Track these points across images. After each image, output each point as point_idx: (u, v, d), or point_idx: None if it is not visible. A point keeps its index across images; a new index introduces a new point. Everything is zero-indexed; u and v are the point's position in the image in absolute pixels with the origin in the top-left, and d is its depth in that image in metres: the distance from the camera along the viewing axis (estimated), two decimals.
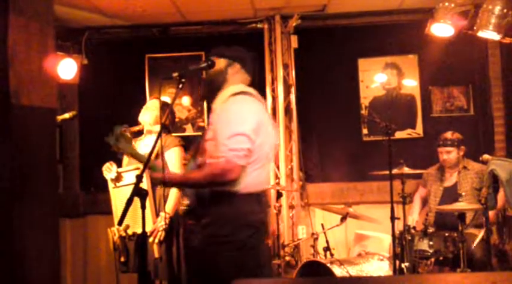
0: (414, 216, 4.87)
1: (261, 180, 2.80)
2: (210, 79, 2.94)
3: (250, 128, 2.68)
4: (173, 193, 4.00)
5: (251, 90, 2.93)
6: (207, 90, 2.98)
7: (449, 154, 4.69)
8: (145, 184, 3.85)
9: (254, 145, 2.67)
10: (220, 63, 2.92)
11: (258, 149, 2.70)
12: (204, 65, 2.82)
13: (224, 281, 2.40)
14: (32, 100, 1.57)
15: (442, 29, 4.88)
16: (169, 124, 4.22)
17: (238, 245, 2.70)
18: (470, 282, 1.64)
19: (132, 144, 3.08)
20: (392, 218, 4.09)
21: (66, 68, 5.25)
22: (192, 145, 3.07)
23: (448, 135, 4.72)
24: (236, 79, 2.93)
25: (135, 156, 2.96)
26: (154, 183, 2.89)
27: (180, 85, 2.59)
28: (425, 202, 5.01)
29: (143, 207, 2.55)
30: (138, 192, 2.48)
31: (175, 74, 2.58)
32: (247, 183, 2.69)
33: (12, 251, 1.49)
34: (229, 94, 2.84)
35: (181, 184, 2.94)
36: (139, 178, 2.44)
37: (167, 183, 2.85)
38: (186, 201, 2.87)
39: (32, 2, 1.64)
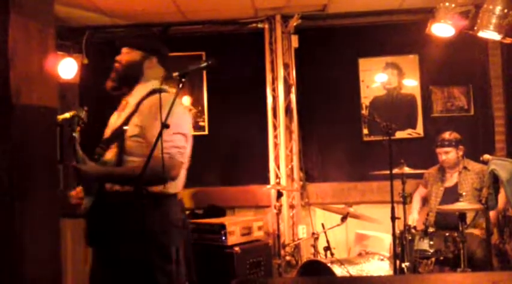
0: (414, 215, 4.87)
1: (183, 181, 2.80)
2: (123, 71, 2.81)
3: (187, 128, 2.70)
4: None
5: (167, 88, 2.84)
6: (119, 82, 2.83)
7: (447, 155, 4.69)
8: None
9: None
10: (136, 55, 2.82)
11: (187, 151, 2.73)
12: (204, 64, 2.74)
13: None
14: (33, 99, 1.57)
15: (442, 29, 4.88)
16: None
17: (164, 251, 2.64)
18: (471, 282, 1.64)
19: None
20: (393, 218, 4.08)
21: (67, 68, 5.25)
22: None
23: (446, 135, 4.72)
24: (151, 74, 2.84)
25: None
26: (85, 178, 2.62)
27: (181, 85, 2.57)
28: (425, 201, 5.01)
29: (143, 206, 2.55)
30: (138, 193, 2.47)
31: (175, 74, 2.56)
32: (176, 183, 2.68)
33: (13, 251, 1.49)
34: (149, 90, 2.76)
35: (116, 178, 2.67)
36: (139, 177, 2.43)
37: (101, 177, 2.65)
38: (87, 200, 2.68)
39: (33, 2, 1.64)
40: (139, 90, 2.78)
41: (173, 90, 2.79)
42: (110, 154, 2.71)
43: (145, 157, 2.55)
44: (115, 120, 2.83)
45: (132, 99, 2.78)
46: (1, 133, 1.50)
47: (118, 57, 2.85)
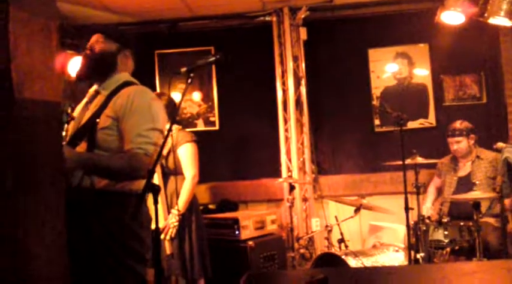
0: (427, 205, 4.83)
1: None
2: (96, 60, 2.66)
3: (163, 124, 2.59)
4: (185, 189, 3.99)
5: (137, 81, 2.75)
6: (90, 71, 2.68)
7: (459, 144, 4.64)
8: (156, 181, 3.87)
9: None
10: (110, 45, 2.68)
11: None
12: (212, 58, 2.65)
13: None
14: (35, 93, 1.56)
15: (452, 17, 4.82)
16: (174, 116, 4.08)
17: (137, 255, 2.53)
18: (486, 270, 1.61)
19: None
20: (407, 208, 4.06)
21: (76, 66, 5.26)
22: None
23: (457, 124, 4.67)
24: (125, 67, 2.73)
25: None
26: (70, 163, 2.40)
27: (189, 80, 2.54)
28: (440, 192, 4.97)
29: (156, 202, 2.54)
30: (151, 188, 2.45)
31: (183, 69, 2.52)
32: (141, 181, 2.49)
33: (17, 249, 1.48)
34: (122, 81, 2.64)
35: (99, 165, 2.48)
36: (151, 173, 2.41)
37: (83, 162, 2.46)
38: None
39: None
40: (113, 81, 2.64)
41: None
42: (80, 149, 2.52)
43: (117, 151, 2.50)
44: (80, 113, 2.64)
45: (103, 90, 2.64)
46: (3, 127, 1.48)
47: (90, 44, 2.69)
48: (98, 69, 2.65)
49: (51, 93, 1.61)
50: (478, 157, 4.68)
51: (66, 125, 2.52)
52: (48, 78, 1.62)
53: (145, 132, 2.48)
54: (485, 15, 4.56)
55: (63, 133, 2.51)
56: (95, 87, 2.71)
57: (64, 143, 2.49)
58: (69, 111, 2.58)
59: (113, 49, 2.68)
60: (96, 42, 2.68)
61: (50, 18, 1.63)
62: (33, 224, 1.52)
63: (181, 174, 4.06)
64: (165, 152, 4.02)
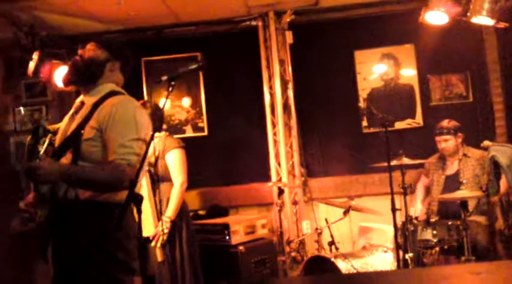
0: (418, 206, 4.85)
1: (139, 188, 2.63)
2: (84, 67, 2.63)
3: (147, 134, 2.54)
4: (174, 195, 4.00)
5: (123, 91, 2.72)
6: (76, 77, 2.65)
7: (447, 143, 4.67)
8: (145, 189, 3.86)
9: None
10: (101, 54, 2.67)
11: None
12: (194, 66, 2.61)
13: None
14: None
15: (436, 17, 4.85)
16: (158, 124, 4.07)
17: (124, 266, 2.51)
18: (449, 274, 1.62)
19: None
20: (393, 209, 4.08)
21: (62, 76, 5.25)
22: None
23: (445, 123, 4.70)
24: (112, 78, 2.69)
25: None
26: (45, 178, 2.36)
27: (170, 88, 2.52)
28: (428, 191, 4.99)
29: (139, 212, 2.54)
30: (134, 198, 2.44)
31: (164, 78, 2.50)
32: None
33: None
34: (106, 91, 2.61)
35: (75, 177, 2.44)
36: (133, 183, 2.40)
37: (65, 174, 2.41)
38: (43, 211, 2.50)
39: None
40: (97, 91, 2.62)
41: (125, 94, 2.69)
42: (65, 161, 2.51)
43: (101, 162, 2.48)
44: (67, 124, 2.64)
45: (88, 100, 2.62)
46: None
47: (80, 51, 2.69)
48: (84, 75, 2.64)
49: None
50: (465, 155, 4.71)
51: (43, 138, 2.50)
52: None
53: (129, 142, 2.48)
54: (468, 14, 4.60)
55: (41, 147, 2.49)
56: (81, 97, 2.70)
57: (44, 155, 2.48)
58: (46, 125, 2.56)
59: (101, 57, 2.66)
60: (88, 50, 2.68)
61: None
62: None
63: (170, 180, 4.06)
64: (152, 159, 4.02)
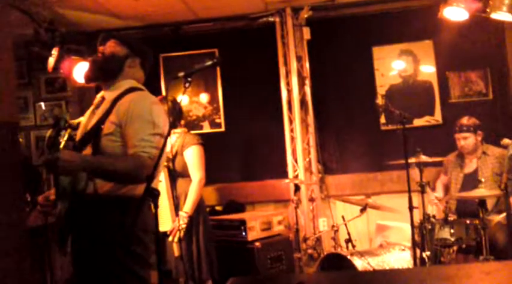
0: (431, 197, 4.78)
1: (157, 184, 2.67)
2: (103, 62, 2.69)
3: (164, 129, 2.56)
4: (192, 191, 4.02)
5: (143, 87, 2.75)
6: (96, 72, 2.70)
7: (466, 140, 4.62)
8: (163, 184, 3.90)
9: None
10: (120, 49, 2.71)
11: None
12: (210, 62, 2.62)
13: None
14: None
15: (455, 13, 4.79)
16: (174, 121, 4.09)
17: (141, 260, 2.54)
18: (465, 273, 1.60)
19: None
20: (410, 207, 4.05)
21: (82, 72, 5.30)
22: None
23: (464, 120, 4.65)
24: (131, 74, 2.73)
25: None
26: (67, 168, 2.36)
27: (187, 85, 2.54)
28: (447, 189, 4.94)
29: (156, 207, 2.56)
30: (150, 193, 2.46)
31: (181, 74, 2.51)
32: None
33: None
34: (126, 87, 2.65)
35: (96, 167, 2.46)
36: (150, 178, 2.42)
37: (87, 164, 2.43)
38: (63, 205, 2.51)
39: None
40: (117, 87, 2.66)
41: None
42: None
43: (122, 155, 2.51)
44: (88, 118, 2.68)
45: (108, 95, 2.66)
46: None
47: (101, 48, 2.73)
48: (104, 71, 2.68)
49: (4, 114, 1.62)
50: (484, 153, 4.65)
51: (64, 131, 2.51)
52: (2, 102, 1.63)
53: (148, 136, 2.50)
54: (488, 10, 4.54)
55: (62, 139, 2.50)
56: (102, 93, 2.74)
57: (62, 148, 2.50)
58: (68, 118, 2.59)
59: (121, 53, 2.70)
60: (108, 46, 2.72)
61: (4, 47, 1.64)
62: None
63: (188, 176, 4.09)
64: (171, 155, 4.05)
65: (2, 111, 1.69)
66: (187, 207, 3.97)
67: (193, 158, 4.09)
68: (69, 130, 2.74)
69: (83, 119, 2.76)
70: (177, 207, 4.00)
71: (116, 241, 2.47)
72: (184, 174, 4.09)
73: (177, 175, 4.07)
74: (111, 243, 2.47)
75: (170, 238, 3.91)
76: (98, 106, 2.69)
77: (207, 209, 5.40)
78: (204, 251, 4.08)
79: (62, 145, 2.52)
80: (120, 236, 2.47)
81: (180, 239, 3.93)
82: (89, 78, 2.74)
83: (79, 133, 2.67)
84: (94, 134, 2.56)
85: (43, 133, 5.69)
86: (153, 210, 2.49)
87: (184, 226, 3.91)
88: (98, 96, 2.75)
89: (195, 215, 4.03)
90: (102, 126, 2.55)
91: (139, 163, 2.45)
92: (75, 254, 2.63)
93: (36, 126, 5.83)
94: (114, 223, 2.49)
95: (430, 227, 4.07)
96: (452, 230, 4.03)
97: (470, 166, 4.69)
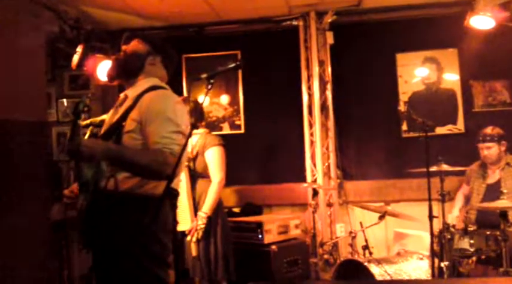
0: (454, 213, 4.75)
1: (178, 184, 2.65)
2: (125, 60, 2.71)
3: (186, 128, 2.55)
4: (212, 192, 4.03)
5: (166, 86, 2.75)
6: (118, 70, 2.72)
7: (489, 150, 4.56)
8: (183, 184, 3.91)
9: None
10: (142, 47, 2.73)
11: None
12: (232, 65, 2.58)
13: None
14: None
15: (481, 22, 4.76)
16: (196, 121, 4.11)
17: (156, 257, 2.53)
18: None
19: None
20: (431, 216, 4.00)
21: (106, 70, 5.35)
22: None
23: (488, 130, 4.59)
24: (153, 72, 2.74)
25: None
26: (88, 154, 2.36)
27: (209, 86, 2.53)
28: (468, 199, 4.88)
29: (174, 207, 2.56)
30: (169, 192, 2.45)
31: (203, 75, 2.51)
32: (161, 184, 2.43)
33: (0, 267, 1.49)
34: (149, 85, 2.66)
35: (119, 156, 2.46)
36: (170, 177, 2.41)
37: (110, 151, 2.44)
38: (84, 200, 2.51)
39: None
40: (140, 85, 2.67)
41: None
42: None
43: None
44: (111, 115, 2.71)
45: (131, 93, 2.67)
46: None
47: (124, 47, 2.75)
48: (125, 69, 2.70)
49: (36, 114, 1.64)
50: (508, 164, 4.59)
51: (83, 115, 2.49)
52: (33, 99, 1.65)
53: (169, 134, 2.49)
54: None
55: (82, 122, 2.51)
56: (125, 91, 2.75)
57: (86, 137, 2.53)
58: (88, 102, 2.58)
59: (142, 51, 2.71)
60: (132, 45, 2.74)
61: (36, 43, 1.65)
62: (18, 241, 1.52)
63: (208, 177, 4.10)
64: (191, 155, 4.07)
65: (34, 111, 1.71)
66: (206, 207, 3.98)
67: (214, 159, 4.10)
68: (91, 128, 2.76)
69: (106, 116, 2.78)
70: (196, 207, 4.01)
71: (135, 240, 2.48)
72: (205, 175, 4.10)
73: (197, 175, 4.08)
74: (130, 242, 2.47)
75: (188, 238, 3.92)
76: (121, 104, 2.71)
77: (225, 210, 5.42)
78: (222, 252, 4.08)
79: (87, 135, 2.53)
80: (139, 235, 2.47)
81: (198, 240, 3.95)
82: (111, 76, 2.76)
83: (103, 130, 2.69)
84: (115, 131, 2.56)
85: (64, 129, 5.75)
86: (172, 210, 2.51)
87: (202, 226, 3.92)
88: (122, 95, 2.76)
89: (213, 216, 4.04)
90: (124, 123, 2.55)
91: (162, 158, 2.43)
92: (94, 250, 2.64)
93: (58, 122, 5.89)
94: (134, 222, 2.48)
95: (449, 237, 4.02)
96: (472, 241, 3.97)
97: (493, 176, 4.63)
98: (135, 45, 2.73)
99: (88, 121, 2.96)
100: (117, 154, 2.46)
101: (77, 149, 2.34)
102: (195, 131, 4.09)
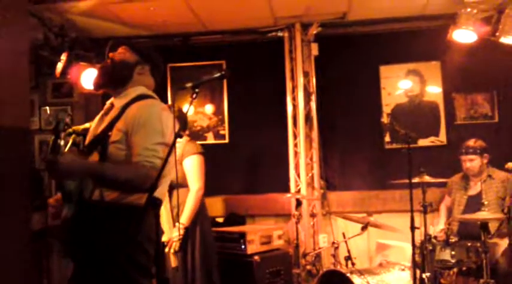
0: (440, 227, 4.78)
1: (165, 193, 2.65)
2: (113, 69, 2.66)
3: (170, 139, 2.52)
4: (190, 202, 3.98)
5: (155, 95, 2.73)
6: (105, 79, 2.67)
7: (472, 162, 4.61)
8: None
9: None
10: (131, 56, 2.69)
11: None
12: (217, 75, 2.57)
13: None
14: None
15: (464, 35, 4.83)
16: (179, 130, 4.07)
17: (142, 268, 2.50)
18: None
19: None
20: (412, 227, 4.02)
21: (90, 78, 5.32)
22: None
23: (471, 142, 4.64)
24: (141, 81, 2.70)
25: None
26: (65, 172, 2.36)
27: (194, 96, 2.52)
28: (450, 211, 4.92)
29: (157, 216, 2.55)
30: (152, 202, 2.44)
31: (188, 84, 2.49)
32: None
33: None
34: (136, 94, 2.63)
35: (98, 174, 2.46)
36: (153, 187, 2.40)
37: (85, 170, 2.44)
38: (67, 209, 2.48)
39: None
40: (127, 94, 2.64)
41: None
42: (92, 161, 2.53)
43: (126, 162, 2.48)
44: (96, 125, 2.68)
45: (117, 102, 2.64)
46: None
47: (111, 54, 2.70)
48: (113, 77, 2.66)
49: (19, 120, 1.63)
50: (489, 176, 4.64)
51: (63, 134, 2.49)
52: (16, 106, 1.64)
53: (153, 146, 2.47)
54: (497, 34, 4.58)
55: (61, 141, 2.48)
56: (111, 100, 2.72)
57: (66, 151, 2.50)
58: (68, 120, 2.58)
59: (131, 60, 2.68)
60: (119, 53, 2.70)
61: (21, 50, 1.65)
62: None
63: (187, 186, 4.04)
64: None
65: (17, 117, 1.69)
66: (184, 218, 3.91)
67: (192, 167, 4.04)
68: (73, 136, 2.73)
69: (90, 125, 2.75)
70: (174, 218, 3.95)
71: (120, 250, 2.44)
72: (183, 184, 4.02)
73: (176, 185, 4.03)
74: (115, 251, 2.44)
75: (167, 249, 3.88)
76: (106, 113, 2.68)
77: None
78: (200, 263, 4.02)
79: (66, 149, 2.51)
80: (125, 245, 2.44)
81: (175, 251, 3.90)
82: (98, 84, 2.72)
83: (88, 139, 2.66)
84: (101, 141, 2.54)
85: (47, 137, 5.70)
86: (156, 219, 2.49)
87: (180, 237, 3.86)
88: (108, 103, 2.73)
89: (191, 226, 3.98)
90: (110, 133, 2.53)
91: (142, 173, 2.43)
92: (77, 260, 2.61)
93: (40, 130, 5.84)
94: (119, 232, 2.44)
95: (431, 248, 4.05)
96: (453, 252, 4.01)
97: (475, 188, 4.68)
98: (122, 54, 2.70)
99: (71, 130, 2.94)
100: (96, 172, 2.46)
101: (54, 166, 2.33)
102: (178, 140, 4.06)
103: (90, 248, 2.49)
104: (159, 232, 2.47)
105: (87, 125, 2.86)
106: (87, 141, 2.66)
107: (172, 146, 2.38)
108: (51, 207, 2.61)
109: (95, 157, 2.54)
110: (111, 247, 2.44)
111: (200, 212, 4.07)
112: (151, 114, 2.54)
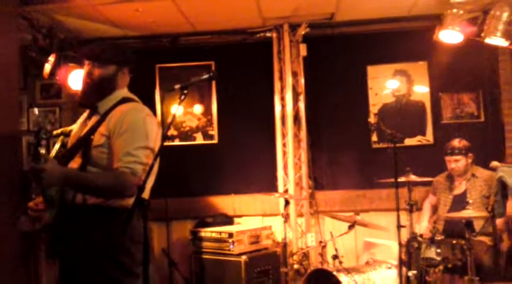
0: (424, 224, 4.84)
1: (148, 194, 2.64)
2: (97, 86, 2.66)
3: (156, 143, 2.54)
4: None
5: (136, 97, 2.76)
6: (91, 97, 2.68)
7: (457, 163, 4.66)
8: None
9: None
10: (109, 69, 2.68)
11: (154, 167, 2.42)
12: (206, 76, 2.57)
13: None
14: None
15: (450, 36, 4.88)
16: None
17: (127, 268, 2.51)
18: None
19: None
20: (398, 226, 4.08)
21: (78, 79, 5.32)
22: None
23: (456, 143, 4.69)
24: (124, 82, 2.75)
25: None
26: (48, 179, 2.37)
27: (182, 97, 2.53)
28: (435, 209, 4.98)
29: (145, 217, 2.56)
30: (140, 203, 2.45)
31: (177, 86, 2.51)
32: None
33: None
34: (119, 98, 2.66)
35: (77, 182, 2.48)
36: (140, 189, 2.41)
37: (67, 178, 2.45)
38: (50, 213, 2.50)
39: None
40: (110, 99, 2.66)
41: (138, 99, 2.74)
42: (74, 165, 2.56)
43: (106, 169, 2.50)
44: (79, 128, 2.70)
45: (101, 106, 2.66)
46: None
47: (88, 70, 2.68)
48: (99, 93, 2.67)
49: (8, 122, 1.64)
50: (473, 175, 4.70)
51: (44, 142, 2.47)
52: (5, 108, 1.66)
53: (135, 150, 2.48)
54: (483, 35, 4.64)
55: (42, 149, 2.47)
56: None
57: (49, 157, 2.50)
58: (48, 127, 2.60)
59: (110, 72, 2.68)
60: (93, 68, 2.67)
61: (9, 57, 1.67)
62: None
63: None
64: None
65: (6, 123, 1.70)
66: None
67: None
68: (61, 137, 2.74)
69: (74, 127, 2.77)
70: None
71: (103, 251, 2.47)
72: None
73: None
74: (98, 253, 2.47)
75: None
76: (90, 117, 2.70)
77: (197, 220, 5.44)
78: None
79: (54, 150, 2.53)
80: (107, 247, 2.47)
81: None
82: (84, 102, 2.71)
83: (70, 142, 2.68)
84: (83, 145, 2.56)
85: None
86: (142, 221, 2.51)
87: None
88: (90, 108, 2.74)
89: None
90: (92, 137, 2.54)
91: (121, 180, 2.44)
92: (62, 263, 2.63)
93: (28, 131, 5.83)
94: (102, 233, 2.48)
95: (416, 246, 4.10)
96: (438, 250, 4.06)
97: (460, 188, 4.73)
98: (100, 69, 2.66)
99: (59, 131, 2.95)
100: (76, 181, 2.48)
101: (39, 175, 2.35)
102: None
103: (74, 250, 2.51)
104: (148, 233, 2.47)
105: (74, 126, 2.87)
106: (69, 144, 2.68)
107: (159, 151, 2.36)
108: (31, 211, 2.62)
109: (77, 160, 2.55)
110: (94, 249, 2.46)
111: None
112: (133, 118, 2.55)
